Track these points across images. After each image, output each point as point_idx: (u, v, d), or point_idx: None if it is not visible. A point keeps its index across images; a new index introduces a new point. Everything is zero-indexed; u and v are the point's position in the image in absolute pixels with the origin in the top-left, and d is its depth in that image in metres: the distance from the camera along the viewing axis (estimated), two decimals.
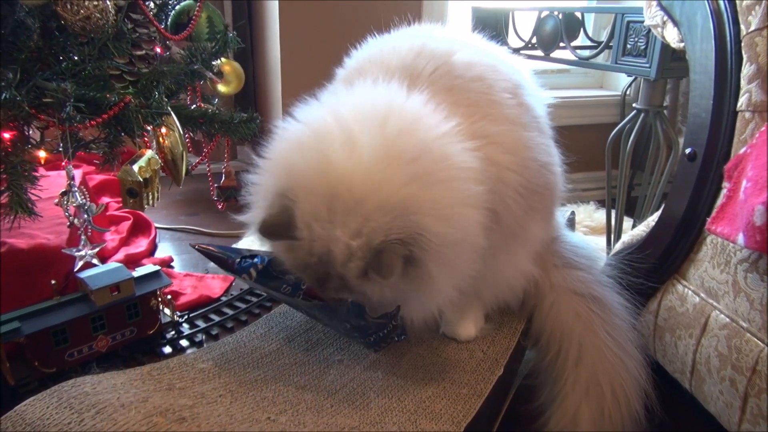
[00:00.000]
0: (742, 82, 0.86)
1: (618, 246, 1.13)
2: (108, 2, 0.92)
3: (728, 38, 0.89)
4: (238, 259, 0.85)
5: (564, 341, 0.95)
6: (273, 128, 0.85)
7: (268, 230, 0.73)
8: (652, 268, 1.02)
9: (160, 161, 1.14)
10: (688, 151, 0.95)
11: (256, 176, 0.82)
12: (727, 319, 0.86)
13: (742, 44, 0.86)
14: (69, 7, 0.89)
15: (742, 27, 0.86)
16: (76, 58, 0.94)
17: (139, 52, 1.10)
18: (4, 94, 0.82)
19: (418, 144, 0.72)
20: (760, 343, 0.80)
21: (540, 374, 0.98)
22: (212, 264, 1.61)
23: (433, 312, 0.84)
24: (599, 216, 1.95)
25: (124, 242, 1.64)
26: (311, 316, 0.92)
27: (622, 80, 2.24)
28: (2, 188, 0.94)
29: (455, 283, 0.79)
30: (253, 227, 0.80)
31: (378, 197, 0.69)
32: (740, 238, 0.76)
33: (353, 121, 0.74)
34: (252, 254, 0.98)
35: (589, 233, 1.85)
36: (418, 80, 0.84)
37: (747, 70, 0.85)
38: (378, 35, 1.02)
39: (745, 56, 0.86)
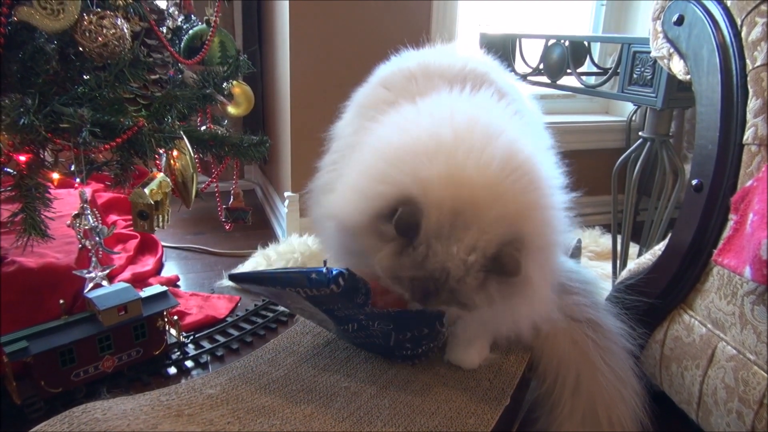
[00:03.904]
0: (749, 116, 0.87)
1: (624, 274, 1.14)
2: (125, 30, 0.95)
3: (734, 72, 0.90)
4: (324, 269, 0.77)
5: (561, 369, 0.95)
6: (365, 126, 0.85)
7: (401, 224, 0.72)
8: (659, 297, 1.02)
9: (171, 184, 1.15)
10: (694, 182, 0.95)
11: (359, 172, 0.81)
12: (734, 351, 0.86)
13: (748, 78, 0.87)
14: (87, 34, 0.91)
15: (748, 62, 0.87)
16: (91, 83, 0.96)
17: (153, 77, 1.12)
18: (22, 119, 0.84)
19: (528, 158, 0.76)
20: (767, 375, 0.80)
21: (538, 401, 0.98)
22: (218, 283, 1.63)
23: (540, 316, 0.86)
24: (604, 241, 1.95)
25: (131, 261, 1.66)
26: (362, 327, 0.89)
27: (628, 106, 2.25)
28: (15, 209, 0.95)
29: (550, 284, 0.82)
30: (335, 217, 0.81)
31: (498, 208, 0.71)
32: (747, 271, 0.77)
33: (470, 131, 0.75)
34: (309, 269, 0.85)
35: (594, 258, 1.85)
36: (475, 79, 0.91)
37: (753, 104, 0.86)
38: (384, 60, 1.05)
39: (751, 90, 0.87)
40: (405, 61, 1.00)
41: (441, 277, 0.73)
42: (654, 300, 1.02)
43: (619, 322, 0.99)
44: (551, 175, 0.82)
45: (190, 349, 1.29)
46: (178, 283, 1.64)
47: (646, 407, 0.92)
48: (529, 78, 1.70)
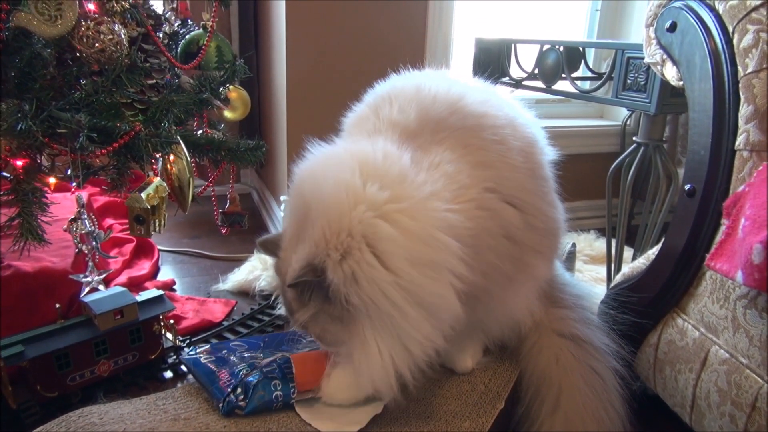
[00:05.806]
0: (740, 122, 0.88)
1: (618, 278, 1.14)
2: (122, 35, 0.95)
3: (726, 79, 0.91)
4: (221, 404, 0.84)
5: (542, 386, 0.95)
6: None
7: (260, 244, 0.88)
8: (652, 301, 1.02)
9: (167, 188, 1.15)
10: (687, 187, 0.96)
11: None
12: (727, 355, 0.87)
13: (740, 85, 0.88)
14: (85, 40, 0.92)
15: (740, 68, 0.88)
16: (88, 88, 0.96)
17: (149, 81, 1.12)
18: (20, 125, 0.84)
19: (367, 218, 0.77)
20: (759, 379, 0.81)
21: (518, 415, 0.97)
22: (214, 287, 1.63)
23: (380, 376, 0.79)
24: (599, 245, 1.96)
25: (127, 265, 1.65)
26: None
27: (623, 110, 2.27)
28: (12, 215, 0.95)
29: (400, 355, 0.78)
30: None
31: (313, 231, 0.78)
32: (739, 276, 0.77)
33: (335, 172, 0.81)
34: (232, 375, 0.92)
35: (589, 262, 1.86)
36: (444, 131, 0.88)
37: (744, 110, 0.87)
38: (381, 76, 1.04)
39: (742, 97, 0.88)
40: (397, 81, 0.99)
41: (284, 281, 0.82)
42: (648, 304, 1.03)
43: (609, 339, 0.98)
44: (415, 255, 0.76)
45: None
46: (175, 287, 1.64)
47: (627, 430, 0.92)
48: (524, 83, 1.71)
